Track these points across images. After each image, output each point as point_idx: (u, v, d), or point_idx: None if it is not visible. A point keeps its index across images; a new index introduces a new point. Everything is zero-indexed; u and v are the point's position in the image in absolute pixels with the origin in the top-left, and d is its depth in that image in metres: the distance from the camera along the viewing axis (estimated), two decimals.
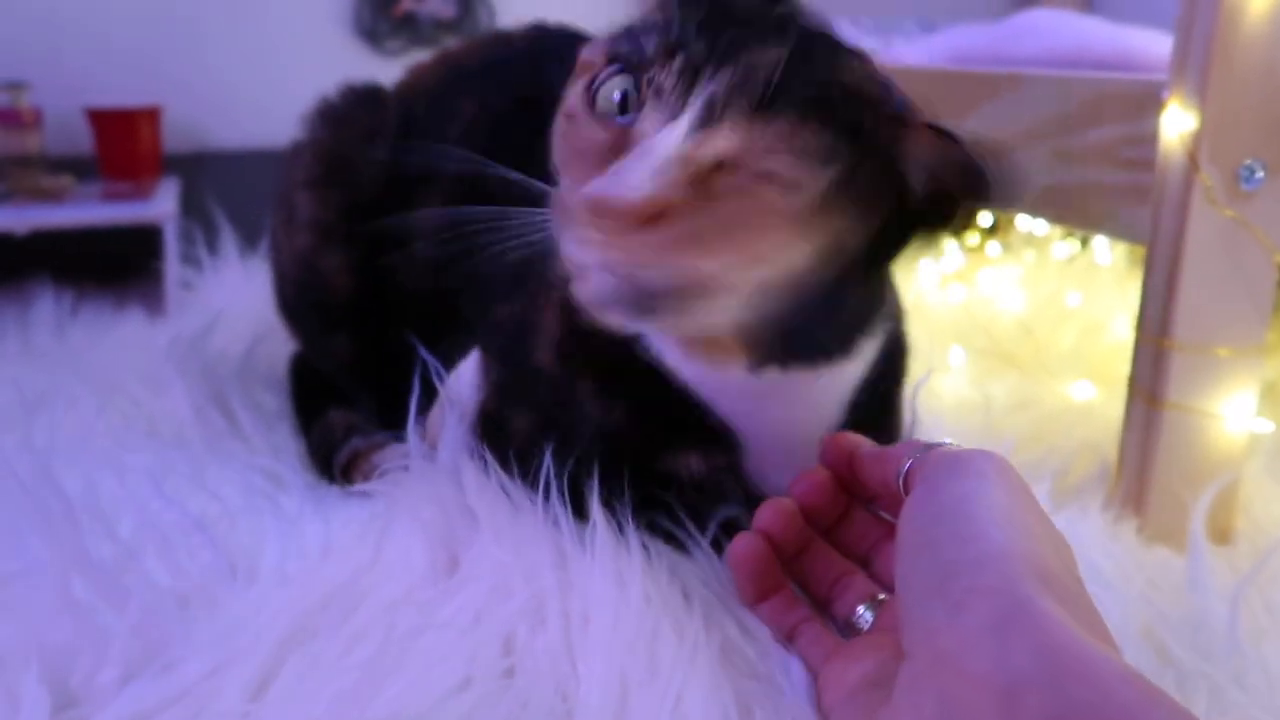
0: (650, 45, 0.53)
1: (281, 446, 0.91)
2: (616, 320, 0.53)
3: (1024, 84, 0.96)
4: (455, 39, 1.82)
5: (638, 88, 0.53)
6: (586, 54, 0.58)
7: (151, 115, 1.57)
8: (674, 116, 0.51)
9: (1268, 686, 0.61)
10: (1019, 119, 0.96)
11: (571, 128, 0.55)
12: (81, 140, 1.56)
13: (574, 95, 0.56)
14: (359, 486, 0.73)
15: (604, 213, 0.48)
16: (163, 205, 1.38)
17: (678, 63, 0.51)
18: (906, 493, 0.52)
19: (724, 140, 0.50)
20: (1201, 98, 0.75)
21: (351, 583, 0.63)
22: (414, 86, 0.93)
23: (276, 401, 1.00)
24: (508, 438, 0.69)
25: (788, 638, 0.58)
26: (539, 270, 0.69)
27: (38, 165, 1.45)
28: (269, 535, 0.71)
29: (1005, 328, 1.16)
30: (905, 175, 0.53)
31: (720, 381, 0.62)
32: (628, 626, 0.57)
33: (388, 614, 0.60)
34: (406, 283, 0.83)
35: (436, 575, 0.64)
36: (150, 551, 0.67)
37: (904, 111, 0.55)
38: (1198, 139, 0.75)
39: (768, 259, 0.51)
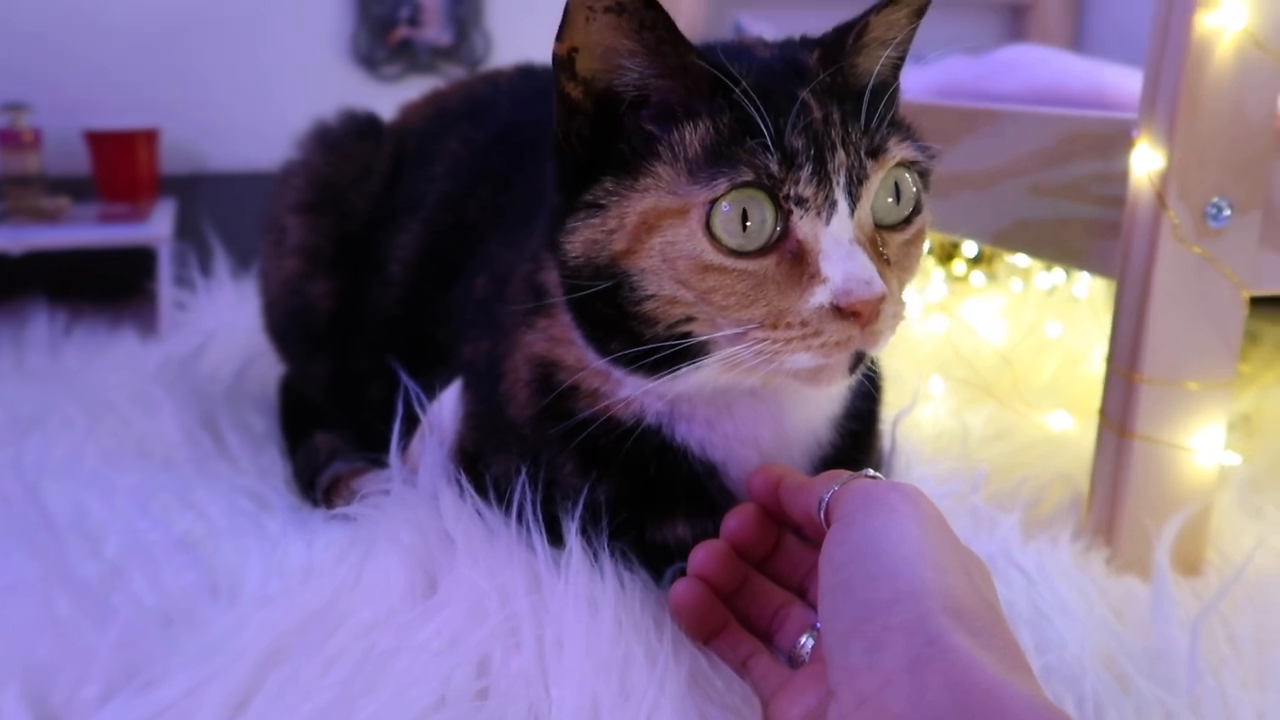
0: (770, 161, 0.55)
1: (269, 468, 0.93)
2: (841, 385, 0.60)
3: (1001, 120, 0.99)
4: (451, 65, 1.84)
5: (775, 204, 0.55)
6: (659, 204, 0.57)
7: (149, 137, 1.59)
8: (825, 212, 0.55)
9: (1225, 716, 0.62)
10: (997, 154, 0.98)
11: (718, 274, 0.55)
12: (80, 161, 1.58)
13: (700, 245, 0.55)
14: (339, 509, 0.75)
15: (866, 311, 0.54)
16: (158, 227, 1.40)
17: (810, 168, 0.55)
18: (827, 525, 0.54)
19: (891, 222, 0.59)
20: (1169, 137, 0.77)
21: (331, 604, 0.64)
22: (405, 125, 0.96)
23: (265, 423, 1.02)
24: (486, 475, 0.70)
25: (742, 669, 0.60)
26: (504, 313, 0.71)
27: (36, 186, 1.46)
28: (252, 556, 0.72)
29: (986, 358, 1.18)
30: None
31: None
32: (600, 651, 0.58)
33: (366, 635, 0.61)
34: (389, 311, 0.85)
35: (414, 598, 0.65)
36: (135, 571, 0.68)
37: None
38: (1166, 177, 0.77)
39: None
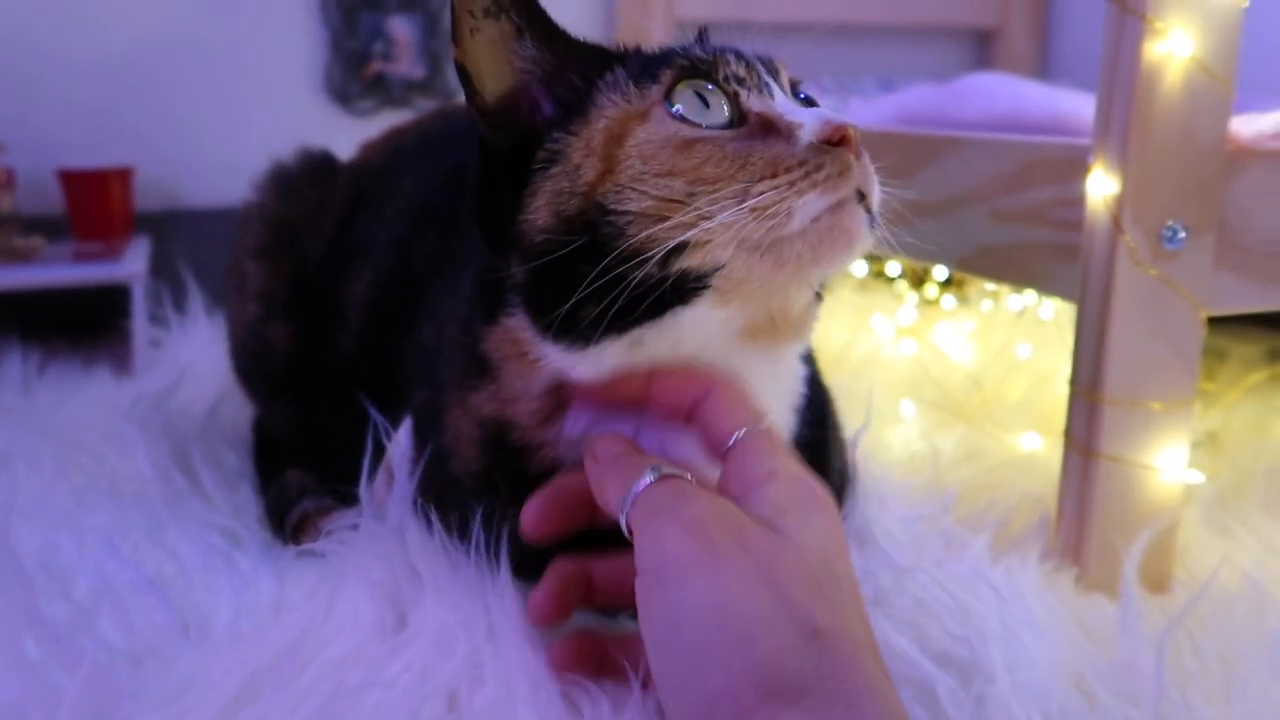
0: (696, 58, 0.59)
1: (242, 505, 0.92)
2: (864, 249, 0.59)
3: (963, 147, 1.00)
4: (425, 99, 1.86)
5: (721, 89, 0.58)
6: (620, 112, 0.59)
7: (123, 176, 1.60)
8: (764, 90, 0.59)
9: None
10: (959, 180, 1.00)
11: (702, 145, 0.56)
12: (54, 200, 1.58)
13: (672, 127, 0.57)
14: (307, 545, 0.75)
15: (852, 135, 0.55)
16: (132, 265, 1.40)
17: (731, 57, 0.60)
18: (630, 536, 0.53)
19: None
20: (1123, 163, 0.78)
21: (301, 640, 0.64)
22: (364, 164, 0.97)
23: (239, 459, 1.02)
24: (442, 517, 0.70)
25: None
26: (444, 365, 0.71)
27: (10, 225, 1.47)
28: (223, 594, 0.72)
29: (956, 380, 1.19)
30: None
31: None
32: (555, 689, 0.59)
33: (336, 671, 0.61)
34: (349, 355, 0.86)
35: (384, 633, 0.65)
36: (104, 611, 0.68)
37: None
38: (1121, 202, 0.79)
39: None
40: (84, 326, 1.50)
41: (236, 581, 0.74)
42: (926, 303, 1.59)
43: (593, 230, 0.56)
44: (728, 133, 0.56)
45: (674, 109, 0.57)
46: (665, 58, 0.60)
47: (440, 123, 0.97)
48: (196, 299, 1.46)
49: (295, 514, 0.84)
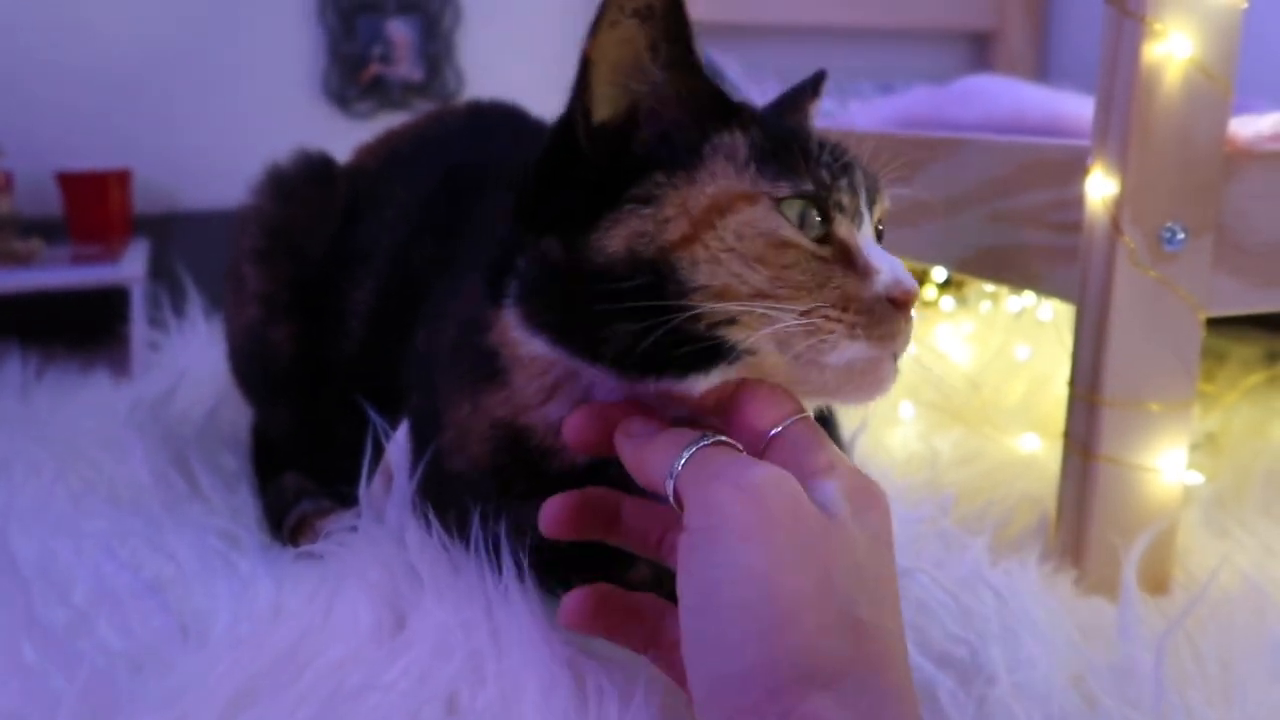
0: (822, 173, 0.58)
1: (241, 508, 0.92)
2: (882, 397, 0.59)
3: (962, 149, 1.00)
4: (423, 101, 1.86)
5: (822, 210, 0.58)
6: (731, 188, 0.57)
7: (121, 178, 1.59)
8: (856, 219, 0.59)
9: None
10: (958, 182, 1.00)
11: (795, 251, 0.56)
12: (52, 203, 1.58)
13: (776, 222, 0.56)
14: (306, 547, 0.75)
15: (911, 303, 0.56)
16: (130, 268, 1.40)
17: (845, 183, 0.59)
18: (679, 506, 0.52)
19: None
20: (1122, 163, 0.78)
21: (300, 643, 0.64)
22: (360, 167, 0.96)
23: (238, 462, 1.02)
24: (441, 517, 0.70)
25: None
26: (442, 368, 0.70)
27: (9, 228, 1.46)
28: (222, 597, 0.72)
29: (955, 382, 1.19)
30: None
31: None
32: (562, 689, 0.58)
33: (334, 674, 0.61)
34: (352, 361, 0.86)
35: (382, 636, 0.65)
36: (103, 615, 0.68)
37: None
38: (1120, 203, 0.79)
39: None
40: (82, 329, 1.50)
41: (235, 585, 0.74)
42: (925, 304, 1.59)
43: (657, 275, 0.55)
44: (818, 248, 0.57)
45: (780, 204, 0.57)
46: (787, 154, 0.58)
47: (435, 125, 0.97)
48: (195, 302, 1.46)
49: (293, 516, 0.84)
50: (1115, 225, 0.79)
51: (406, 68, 1.86)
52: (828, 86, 0.76)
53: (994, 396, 1.17)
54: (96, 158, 1.61)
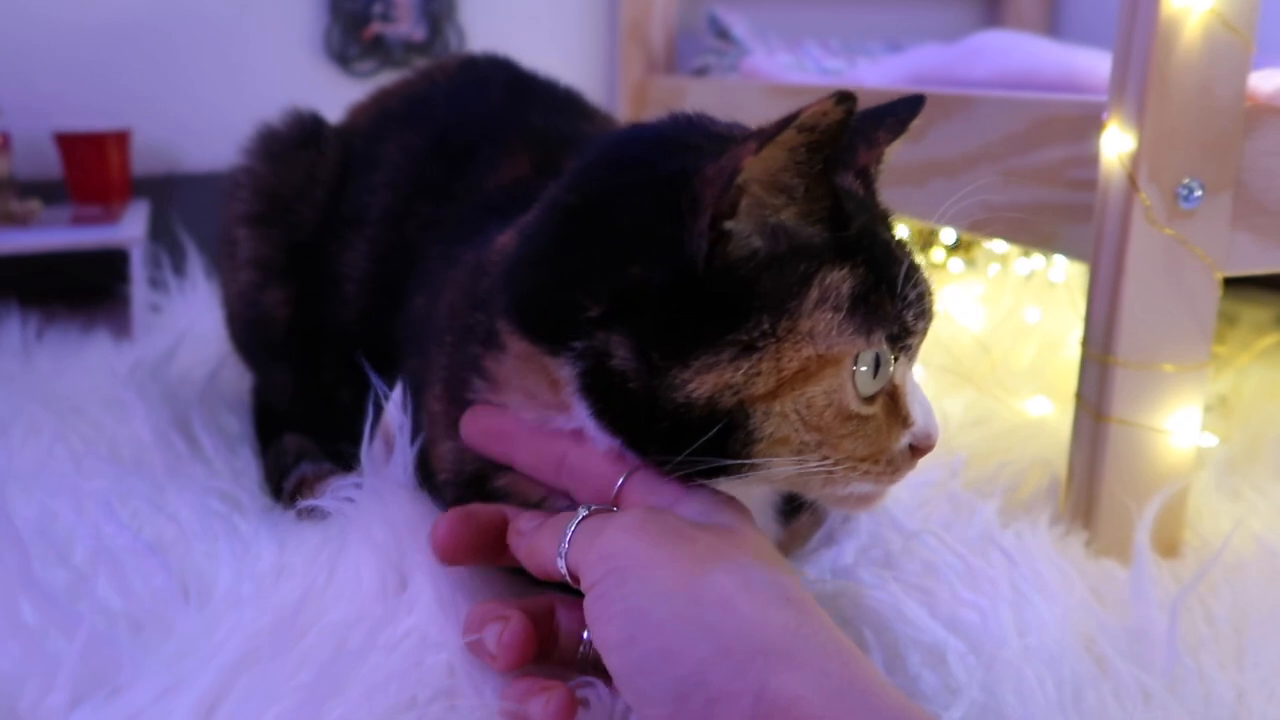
0: (907, 316, 0.57)
1: (242, 469, 0.92)
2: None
3: (974, 105, 0.98)
4: (425, 60, 1.83)
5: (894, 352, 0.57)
6: (825, 354, 0.54)
7: (120, 139, 1.57)
8: (912, 360, 0.59)
9: (1203, 696, 0.62)
10: (970, 139, 0.98)
11: (856, 422, 0.55)
12: (50, 164, 1.57)
13: (848, 395, 0.55)
14: (309, 502, 0.74)
15: (927, 452, 0.59)
16: (130, 229, 1.39)
17: (921, 325, 0.58)
18: (575, 582, 0.54)
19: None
20: (1139, 119, 0.77)
21: (302, 604, 0.63)
22: (352, 127, 0.94)
23: (239, 423, 1.01)
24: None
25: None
26: (431, 337, 0.69)
27: (7, 189, 1.45)
28: (223, 558, 0.71)
29: (964, 344, 1.18)
30: None
31: None
32: None
33: (337, 634, 0.61)
34: (349, 326, 0.84)
35: (386, 595, 0.64)
36: (103, 576, 0.67)
37: None
38: (1136, 159, 0.77)
39: None
40: (82, 291, 1.48)
41: (237, 545, 0.73)
42: (934, 266, 1.57)
43: (729, 421, 0.54)
44: (872, 409, 0.56)
45: (858, 367, 0.55)
46: (878, 293, 0.55)
47: (427, 82, 0.94)
48: (195, 263, 1.45)
49: (293, 479, 0.83)
50: (1131, 182, 0.77)
51: (408, 26, 1.83)
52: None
53: (1004, 359, 1.16)
54: (95, 118, 1.59)
